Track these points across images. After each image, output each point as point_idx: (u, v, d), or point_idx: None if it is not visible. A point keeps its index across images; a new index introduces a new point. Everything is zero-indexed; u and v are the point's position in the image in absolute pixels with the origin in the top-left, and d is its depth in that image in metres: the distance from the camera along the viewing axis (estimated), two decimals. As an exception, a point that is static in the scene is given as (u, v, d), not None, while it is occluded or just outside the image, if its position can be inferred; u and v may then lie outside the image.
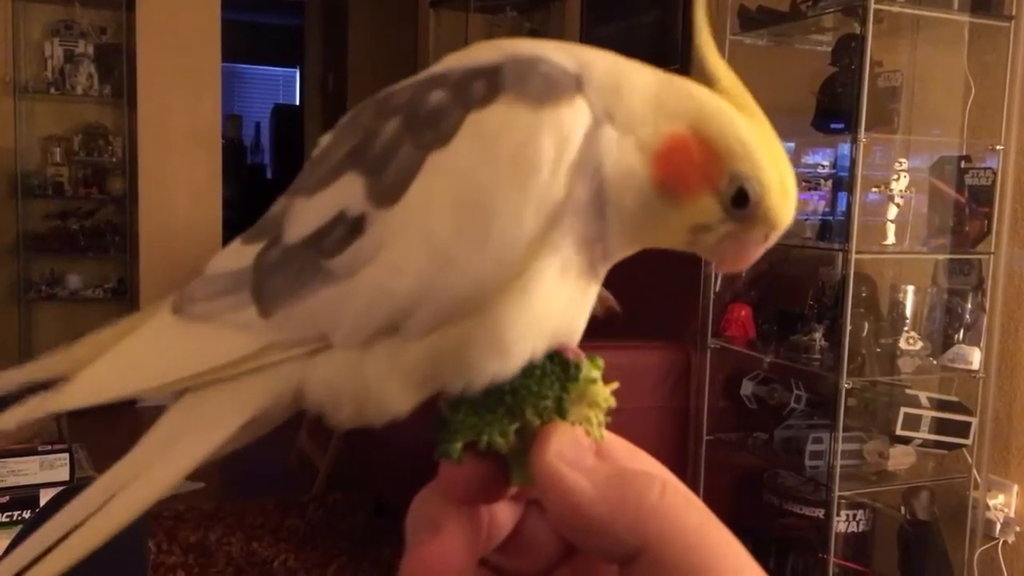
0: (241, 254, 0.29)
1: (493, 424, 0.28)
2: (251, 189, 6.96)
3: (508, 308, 0.26)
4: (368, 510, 2.61)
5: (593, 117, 0.27)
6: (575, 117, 0.26)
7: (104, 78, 3.97)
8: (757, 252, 0.30)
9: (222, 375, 0.29)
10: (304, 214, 0.28)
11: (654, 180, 0.27)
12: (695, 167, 0.27)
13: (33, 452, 1.46)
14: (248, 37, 6.95)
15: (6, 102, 3.84)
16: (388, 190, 0.26)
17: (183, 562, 2.29)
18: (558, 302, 0.27)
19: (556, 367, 0.28)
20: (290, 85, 8.00)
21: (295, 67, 7.16)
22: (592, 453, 0.28)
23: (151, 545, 2.34)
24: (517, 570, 0.30)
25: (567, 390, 0.28)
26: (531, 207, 0.26)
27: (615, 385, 0.29)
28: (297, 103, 7.19)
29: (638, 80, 0.28)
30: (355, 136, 0.28)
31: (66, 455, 1.47)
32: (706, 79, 0.29)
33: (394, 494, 2.40)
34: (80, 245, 4.03)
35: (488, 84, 0.27)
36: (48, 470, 1.46)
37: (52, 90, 3.90)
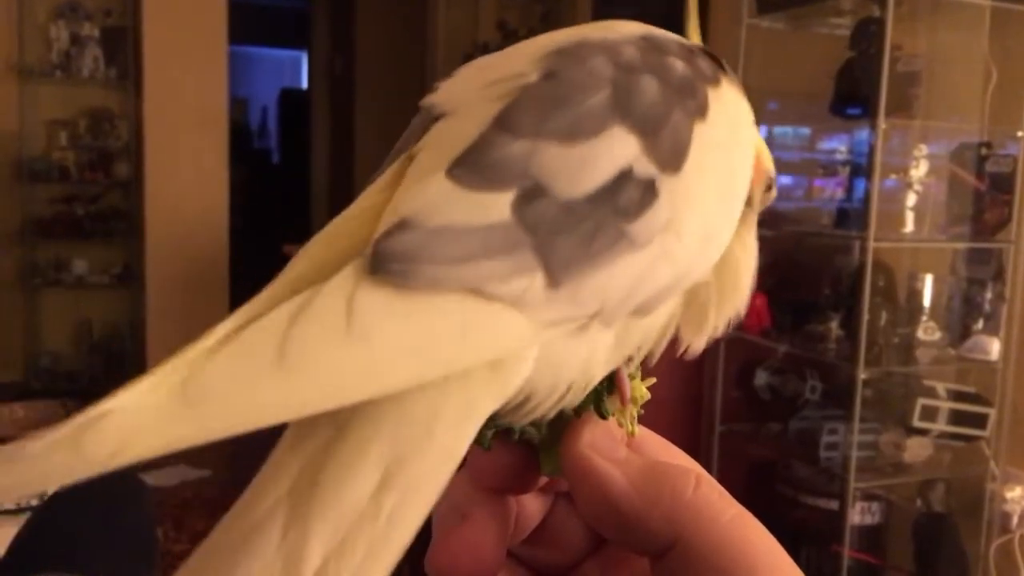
0: (475, 202, 0.22)
1: None
2: (257, 174, 6.95)
3: (723, 279, 0.27)
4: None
5: None
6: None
7: (110, 61, 3.94)
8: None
9: (471, 363, 0.22)
10: (571, 164, 0.23)
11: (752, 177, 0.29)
12: (758, 161, 0.29)
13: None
14: (255, 19, 6.91)
15: (11, 85, 3.82)
16: (670, 155, 0.24)
17: (190, 550, 2.27)
18: (750, 274, 0.29)
19: None
20: (297, 68, 7.96)
21: (302, 49, 7.12)
22: (624, 445, 0.27)
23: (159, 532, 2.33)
24: (544, 563, 0.30)
25: (609, 388, 0.28)
26: (746, 186, 0.27)
27: (652, 380, 0.29)
28: (304, 87, 7.16)
29: None
30: (599, 84, 0.24)
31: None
32: None
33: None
34: (86, 230, 4.01)
35: (711, 65, 0.27)
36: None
37: (57, 73, 3.87)
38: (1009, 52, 1.89)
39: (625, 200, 0.23)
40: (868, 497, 1.94)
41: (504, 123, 0.23)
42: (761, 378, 2.10)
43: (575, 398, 0.25)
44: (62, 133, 3.94)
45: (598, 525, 0.27)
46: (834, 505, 1.91)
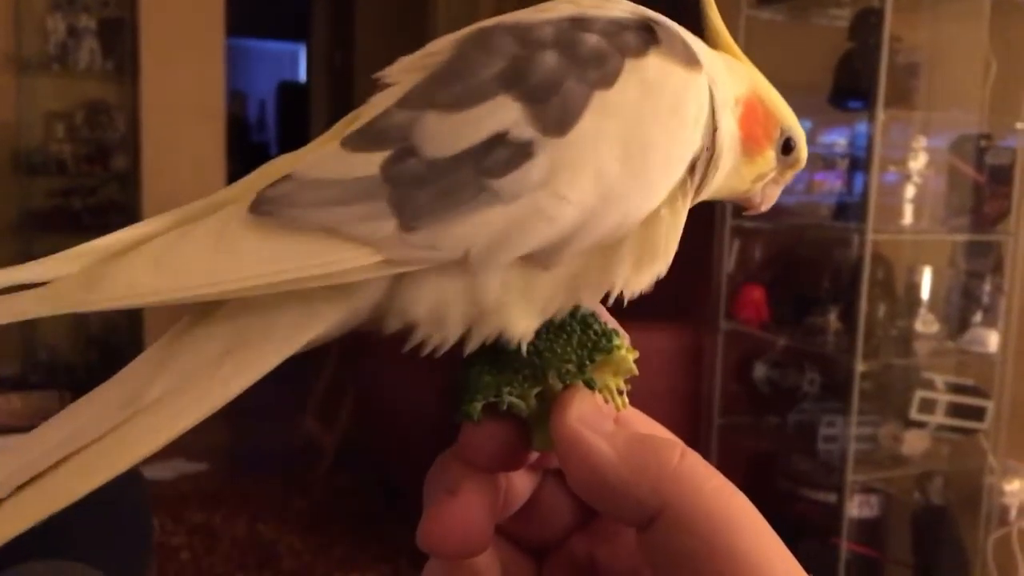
0: (351, 161, 0.27)
1: (514, 385, 0.28)
2: (255, 167, 6.93)
3: (640, 243, 0.29)
4: (376, 491, 2.59)
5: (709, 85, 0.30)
6: (707, 85, 0.29)
7: (107, 53, 3.92)
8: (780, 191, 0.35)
9: (319, 284, 0.26)
10: (447, 129, 0.27)
11: (741, 139, 0.31)
12: (763, 126, 0.32)
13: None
14: (254, 12, 6.88)
15: (7, 77, 3.80)
16: (556, 120, 0.27)
17: (187, 543, 2.28)
18: (672, 243, 0.30)
19: (583, 333, 0.29)
20: (296, 62, 7.94)
21: (301, 43, 7.10)
22: (612, 419, 0.28)
23: (155, 524, 2.33)
24: (532, 539, 0.31)
25: (592, 358, 0.29)
26: (678, 156, 0.28)
27: (637, 354, 0.30)
28: (303, 80, 7.14)
29: (712, 52, 0.31)
30: (495, 61, 0.27)
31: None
32: (711, 38, 0.33)
33: (403, 475, 2.38)
34: (83, 223, 4.00)
35: (639, 37, 0.28)
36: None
37: (54, 65, 3.86)
38: (1009, 44, 1.89)
39: (492, 160, 0.26)
40: (867, 490, 1.94)
41: (402, 98, 0.28)
42: (760, 371, 2.09)
43: (495, 329, 0.28)
44: (59, 125, 3.93)
45: (586, 496, 0.28)
46: (833, 498, 1.91)
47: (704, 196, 0.32)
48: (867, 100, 1.79)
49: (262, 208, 0.26)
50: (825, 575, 1.87)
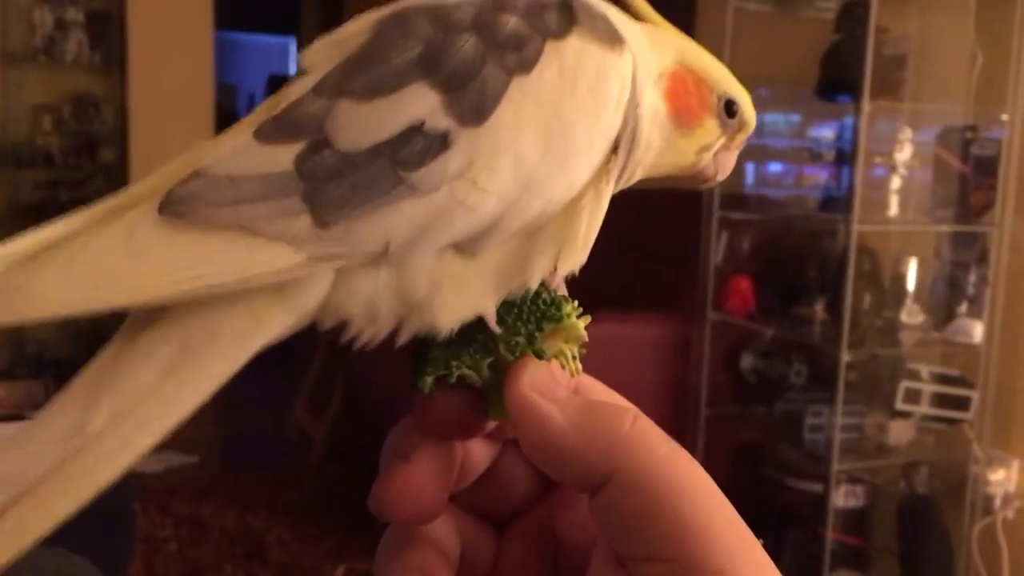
0: (264, 155, 0.26)
1: (464, 357, 0.28)
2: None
3: (564, 227, 0.28)
4: (366, 483, 2.59)
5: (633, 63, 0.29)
6: (630, 62, 0.29)
7: (94, 45, 3.90)
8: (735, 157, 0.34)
9: (241, 287, 0.26)
10: (362, 120, 0.26)
11: (670, 114, 0.30)
12: (694, 96, 0.31)
13: (20, 418, 1.45)
14: (243, 5, 6.85)
15: (-6, 70, 3.79)
16: (473, 108, 0.26)
17: (175, 535, 2.28)
18: (596, 224, 0.29)
19: (532, 303, 0.29)
20: (286, 54, 7.92)
21: (291, 36, 7.08)
22: (566, 386, 0.28)
23: (141, 515, 2.32)
24: (492, 509, 0.31)
25: (541, 328, 0.29)
26: (600, 138, 0.28)
27: (588, 319, 0.30)
28: (292, 73, 7.13)
29: (635, 26, 0.31)
30: (411, 45, 0.27)
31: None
32: (634, 10, 0.32)
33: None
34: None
35: (560, 18, 0.28)
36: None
37: (41, 57, 3.84)
38: (995, 35, 1.89)
39: (409, 151, 0.26)
40: (853, 480, 1.95)
41: (318, 85, 0.27)
42: (747, 361, 2.10)
43: (425, 323, 0.27)
44: (46, 118, 3.91)
45: (539, 462, 0.28)
46: (819, 488, 1.92)
47: (640, 175, 0.31)
48: (854, 92, 1.80)
49: (172, 208, 0.25)
50: (811, 564, 1.88)
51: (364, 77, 0.26)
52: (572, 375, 0.29)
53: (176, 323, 0.26)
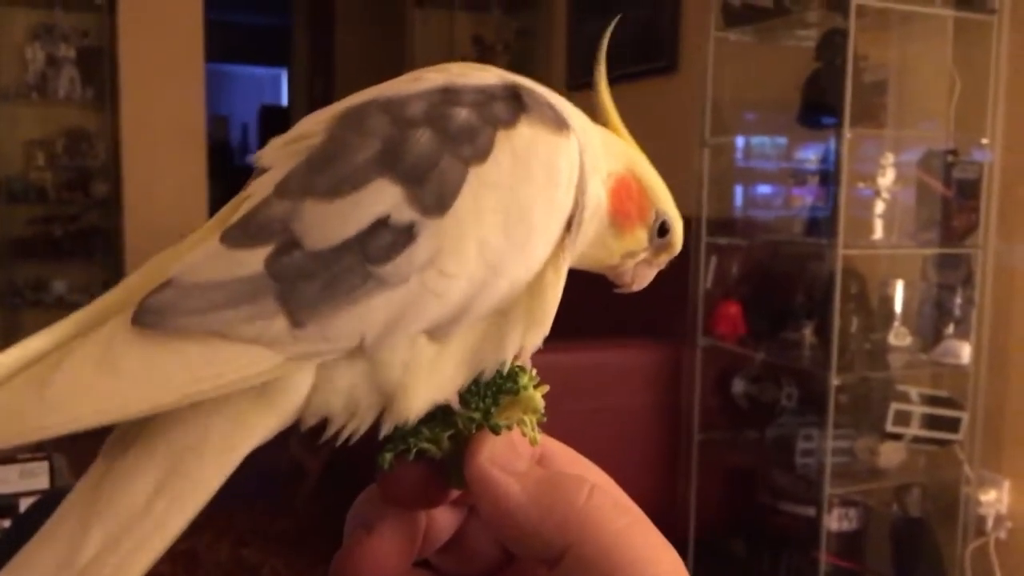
0: (234, 260, 0.26)
1: (420, 434, 0.29)
2: (238, 191, 6.93)
3: (530, 304, 0.29)
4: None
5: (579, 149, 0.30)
6: (576, 145, 0.30)
7: (86, 81, 3.93)
8: (653, 274, 0.36)
9: (222, 392, 0.26)
10: (328, 218, 0.26)
11: (610, 211, 0.32)
12: (635, 204, 0.33)
13: (12, 460, 1.44)
14: (235, 37, 6.91)
15: (-13, 107, 3.81)
16: (435, 200, 0.27)
17: (171, 571, 2.27)
18: (556, 298, 0.30)
19: (488, 377, 0.29)
20: (277, 85, 7.97)
21: (283, 67, 7.13)
22: (527, 458, 0.29)
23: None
24: (460, 573, 0.31)
25: (497, 402, 0.29)
26: (556, 217, 0.29)
27: (546, 388, 0.30)
28: (284, 104, 7.17)
29: (588, 123, 0.32)
30: (369, 143, 0.27)
31: (46, 463, 1.46)
32: (599, 115, 0.34)
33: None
34: (65, 250, 3.99)
35: (508, 107, 0.29)
36: (28, 479, 1.45)
37: (34, 94, 3.86)
38: (972, 61, 1.93)
39: (376, 246, 0.26)
40: (846, 503, 1.95)
41: (279, 186, 0.27)
42: (738, 386, 2.11)
43: (402, 411, 0.28)
44: (39, 153, 3.93)
45: (498, 534, 0.28)
46: (812, 512, 1.92)
47: (571, 264, 0.32)
48: (835, 118, 1.82)
49: (145, 319, 0.25)
50: (806, 588, 1.88)
51: (327, 177, 0.27)
52: (532, 444, 0.29)
53: (160, 436, 0.26)
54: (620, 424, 2.20)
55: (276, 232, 0.26)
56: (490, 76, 0.30)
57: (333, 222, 0.26)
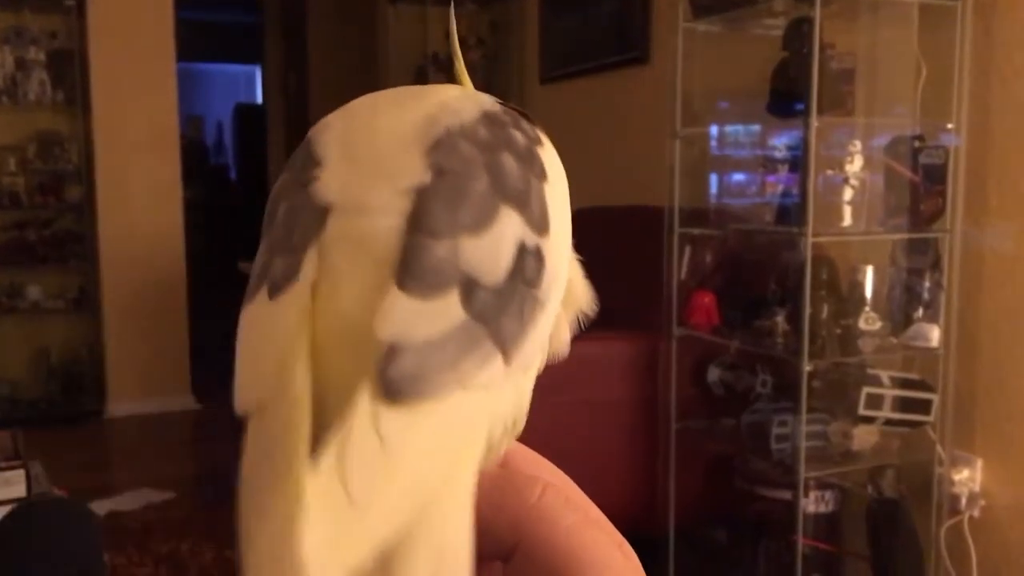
0: (434, 311, 0.26)
1: None
2: (215, 191, 6.89)
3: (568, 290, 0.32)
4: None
5: None
6: None
7: (57, 84, 3.90)
8: None
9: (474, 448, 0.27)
10: (488, 252, 0.27)
11: None
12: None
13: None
14: (207, 36, 6.86)
15: (-44, 112, 3.77)
16: (541, 221, 0.29)
17: (154, 573, 2.27)
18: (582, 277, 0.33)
19: None
20: (252, 83, 7.92)
21: (256, 64, 7.09)
22: None
23: (120, 554, 2.31)
24: None
25: None
26: (569, 216, 0.32)
27: None
28: (260, 101, 7.13)
29: None
30: (476, 172, 0.28)
31: (22, 471, 1.45)
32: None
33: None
34: (39, 255, 3.97)
35: (529, 126, 0.31)
36: (4, 487, 1.44)
37: (3, 99, 3.83)
38: (938, 47, 1.95)
39: (528, 271, 0.28)
40: (822, 486, 1.98)
41: (422, 227, 0.27)
42: (714, 375, 2.13)
43: (518, 431, 0.29)
44: (11, 158, 3.90)
45: None
46: (789, 495, 1.95)
47: None
48: (803, 106, 1.84)
49: (403, 389, 0.24)
50: (785, 571, 1.91)
51: (467, 212, 0.27)
52: None
53: (410, 550, 0.24)
54: (598, 416, 2.21)
55: (451, 275, 0.26)
56: (485, 98, 0.32)
57: (491, 255, 0.27)
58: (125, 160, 3.90)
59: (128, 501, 2.80)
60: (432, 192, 0.27)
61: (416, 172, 0.28)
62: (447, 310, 0.26)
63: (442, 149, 0.28)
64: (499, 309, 0.27)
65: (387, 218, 0.27)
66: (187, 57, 4.11)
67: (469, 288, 0.26)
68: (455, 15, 0.44)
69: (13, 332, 3.98)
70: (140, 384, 3.98)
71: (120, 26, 3.82)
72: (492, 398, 0.27)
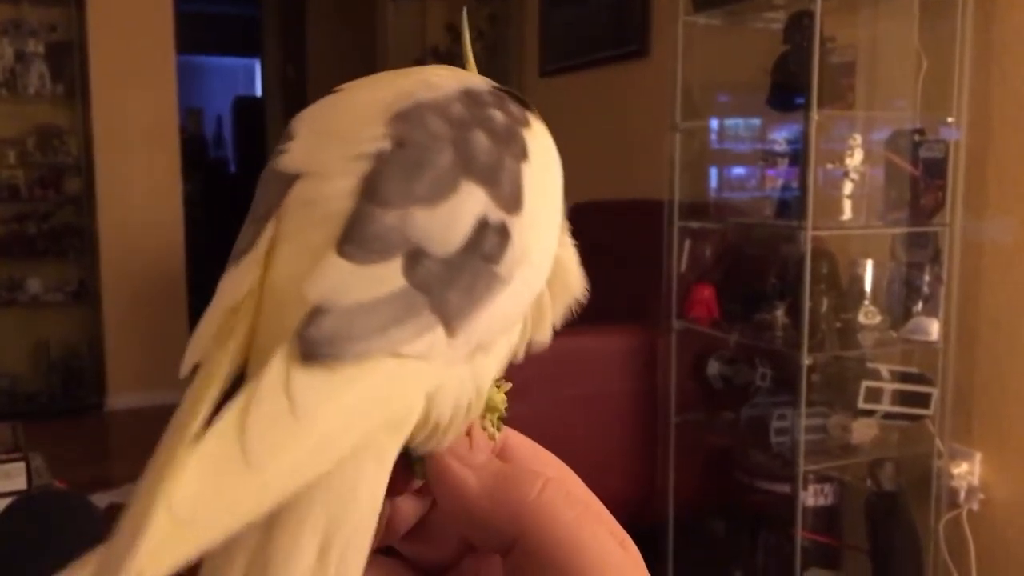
0: (371, 276, 0.25)
1: None
2: (214, 184, 6.89)
3: (555, 277, 0.31)
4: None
5: None
6: None
7: (56, 77, 3.90)
8: None
9: (398, 416, 0.25)
10: (440, 223, 0.26)
11: None
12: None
13: (-10, 463, 1.44)
14: (206, 29, 6.85)
15: (-44, 105, 3.77)
16: (512, 199, 0.28)
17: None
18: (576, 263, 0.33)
19: None
20: (251, 76, 7.91)
21: (255, 57, 7.08)
22: (487, 452, 0.30)
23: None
24: (424, 559, 0.32)
25: None
26: (561, 198, 0.31)
27: (508, 386, 0.31)
28: (259, 94, 7.12)
29: None
30: (441, 146, 0.28)
31: (23, 464, 1.46)
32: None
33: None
34: (39, 248, 3.97)
35: (519, 106, 0.31)
36: (4, 479, 1.45)
37: (3, 91, 3.82)
38: (938, 40, 1.94)
39: (488, 245, 0.27)
40: (821, 479, 1.98)
41: (373, 195, 0.26)
42: (713, 368, 2.14)
43: (473, 415, 0.28)
44: (11, 152, 3.89)
45: (454, 523, 0.30)
46: (788, 489, 1.95)
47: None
48: (804, 99, 1.84)
49: (320, 351, 0.23)
50: (784, 564, 1.91)
51: (423, 183, 0.27)
52: (491, 439, 0.30)
53: (308, 494, 0.23)
54: (598, 409, 2.22)
55: (397, 243, 0.26)
56: (475, 76, 0.32)
57: (445, 226, 0.26)
58: (124, 153, 3.90)
59: (128, 494, 2.80)
60: (389, 160, 0.27)
61: (375, 140, 0.27)
62: (385, 276, 0.25)
63: (407, 120, 0.28)
64: (446, 281, 0.26)
65: (338, 181, 0.27)
66: (186, 50, 4.11)
67: (415, 257, 0.26)
68: (456, 7, 0.43)
69: (13, 325, 3.99)
70: (140, 377, 3.99)
71: (120, 19, 3.81)
72: (433, 372, 0.25)
